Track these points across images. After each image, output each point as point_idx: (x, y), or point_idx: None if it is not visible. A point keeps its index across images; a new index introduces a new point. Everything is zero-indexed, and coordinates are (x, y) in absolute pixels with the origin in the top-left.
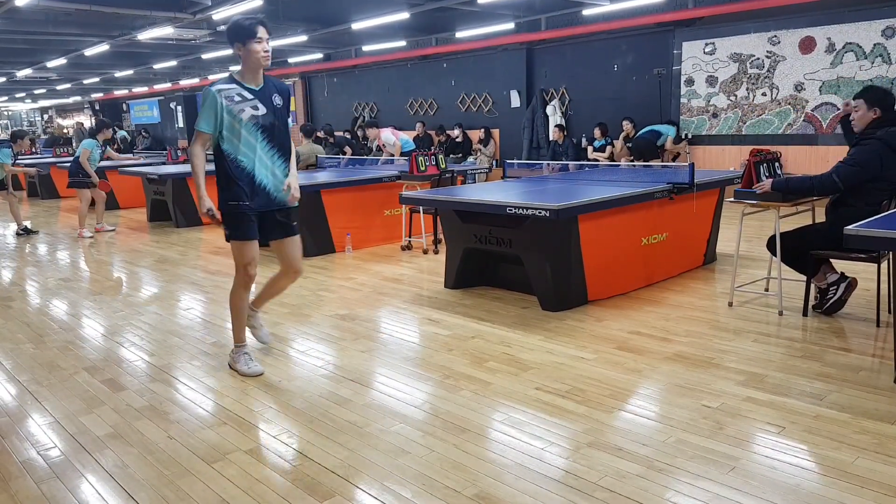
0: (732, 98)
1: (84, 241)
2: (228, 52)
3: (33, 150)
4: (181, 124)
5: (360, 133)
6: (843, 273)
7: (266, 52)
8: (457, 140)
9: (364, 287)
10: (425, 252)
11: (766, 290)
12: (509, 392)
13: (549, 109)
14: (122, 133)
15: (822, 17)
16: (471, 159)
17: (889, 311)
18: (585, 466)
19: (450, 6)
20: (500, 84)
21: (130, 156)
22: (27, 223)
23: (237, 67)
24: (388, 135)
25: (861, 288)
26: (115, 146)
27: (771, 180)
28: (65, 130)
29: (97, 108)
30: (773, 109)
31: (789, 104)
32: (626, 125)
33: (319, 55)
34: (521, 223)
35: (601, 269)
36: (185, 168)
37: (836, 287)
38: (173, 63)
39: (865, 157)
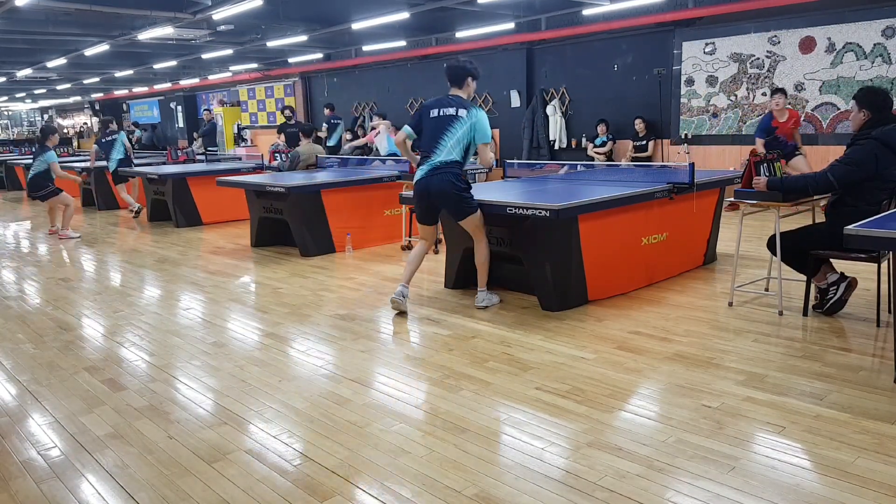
0: (732, 98)
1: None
2: (228, 51)
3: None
4: (181, 124)
5: (360, 133)
6: (843, 273)
7: None
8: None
9: (364, 287)
10: None
11: (766, 290)
12: (509, 392)
13: (549, 109)
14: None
15: (822, 17)
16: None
17: (889, 311)
18: (585, 466)
19: (450, 6)
20: (500, 84)
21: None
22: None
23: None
24: (381, 138)
25: (861, 288)
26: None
27: (767, 178)
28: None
29: (97, 107)
30: None
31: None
32: (639, 124)
33: (319, 55)
34: (521, 223)
35: (601, 269)
36: (185, 168)
37: (836, 287)
38: (173, 63)
39: (860, 156)
